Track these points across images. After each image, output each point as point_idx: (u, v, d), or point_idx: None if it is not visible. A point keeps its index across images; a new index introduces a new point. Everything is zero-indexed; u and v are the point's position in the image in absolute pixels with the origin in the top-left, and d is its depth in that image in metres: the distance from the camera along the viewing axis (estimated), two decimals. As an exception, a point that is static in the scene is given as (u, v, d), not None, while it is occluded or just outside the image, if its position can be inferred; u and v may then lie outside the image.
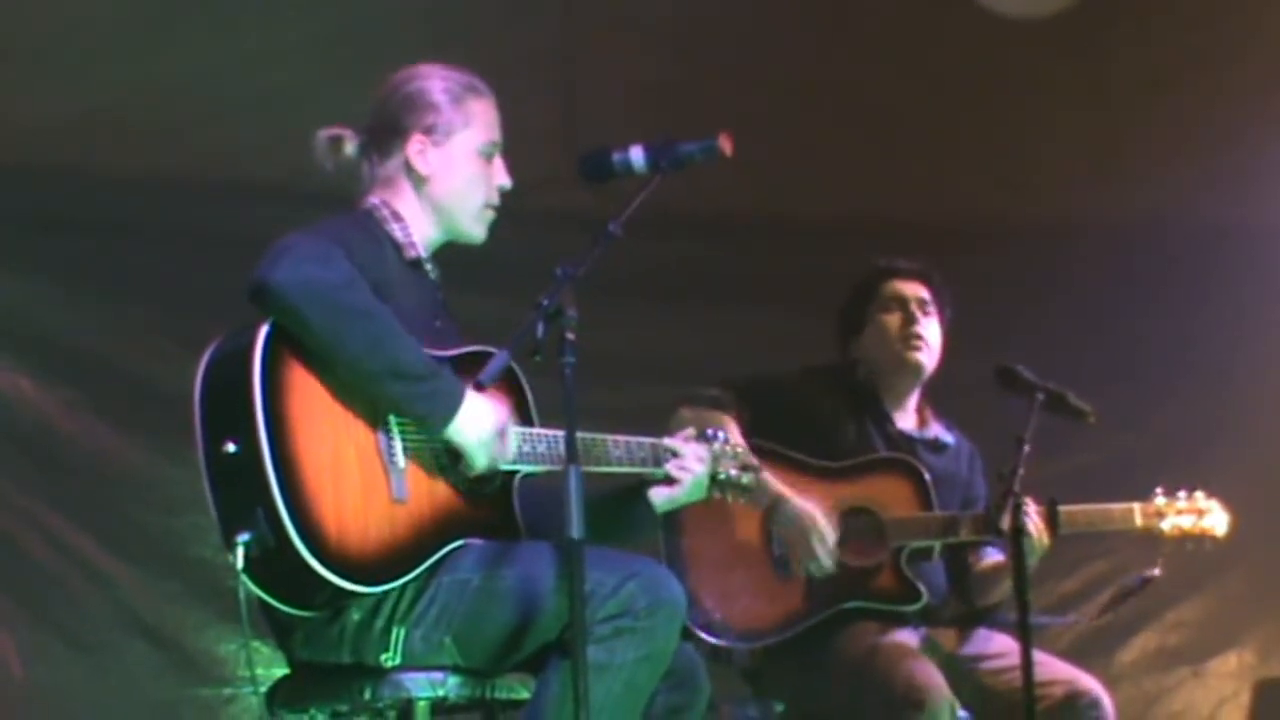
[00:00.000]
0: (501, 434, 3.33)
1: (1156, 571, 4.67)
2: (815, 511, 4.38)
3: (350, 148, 3.55)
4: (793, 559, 4.42)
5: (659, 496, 3.62)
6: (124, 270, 5.61)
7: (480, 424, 3.29)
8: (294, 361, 3.21)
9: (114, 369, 5.59)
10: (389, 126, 3.53)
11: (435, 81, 3.54)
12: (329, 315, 3.17)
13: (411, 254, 3.49)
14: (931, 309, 4.68)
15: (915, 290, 4.67)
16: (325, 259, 3.20)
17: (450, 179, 3.53)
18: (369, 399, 3.26)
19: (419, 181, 3.52)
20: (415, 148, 3.50)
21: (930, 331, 4.66)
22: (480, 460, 3.31)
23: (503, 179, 3.59)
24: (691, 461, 3.63)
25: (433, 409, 3.26)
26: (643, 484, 3.60)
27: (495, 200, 3.59)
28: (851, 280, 4.77)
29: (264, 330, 3.19)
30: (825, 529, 4.37)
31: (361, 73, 5.21)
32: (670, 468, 3.61)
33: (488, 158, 3.56)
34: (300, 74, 5.37)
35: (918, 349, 4.64)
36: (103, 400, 5.57)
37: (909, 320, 4.63)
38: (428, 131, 3.51)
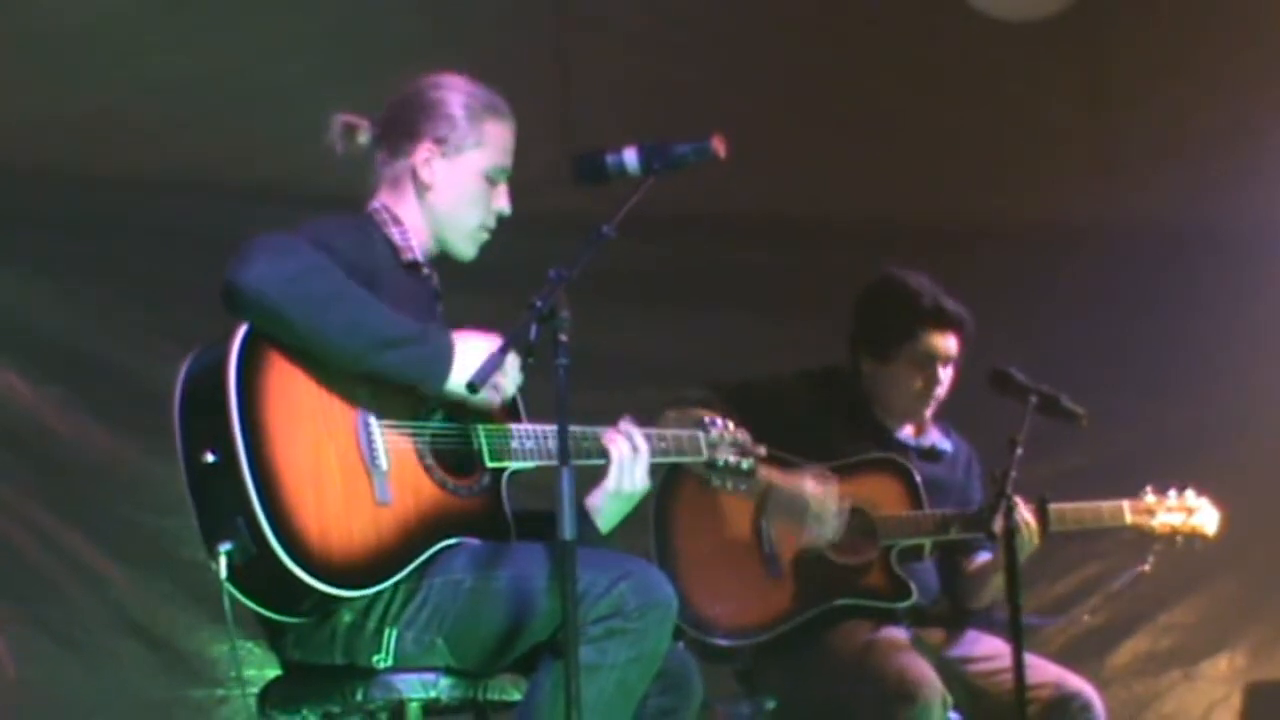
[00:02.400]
0: (502, 355, 3.23)
1: (1145, 567, 4.68)
2: (805, 486, 4.37)
3: (363, 137, 3.56)
4: (787, 545, 4.41)
5: (596, 499, 3.50)
6: (118, 269, 5.61)
7: (475, 365, 3.23)
8: (270, 369, 3.20)
9: (107, 368, 5.58)
10: (402, 128, 3.54)
11: (457, 95, 3.54)
12: (303, 305, 3.15)
13: (408, 257, 3.50)
14: (954, 361, 4.66)
15: (948, 347, 4.62)
16: (289, 251, 3.19)
17: (451, 194, 3.54)
18: (350, 395, 3.25)
19: (421, 189, 3.53)
20: (423, 155, 3.51)
21: (945, 385, 4.66)
22: (485, 395, 3.25)
23: (503, 204, 3.59)
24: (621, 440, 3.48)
25: (427, 370, 3.26)
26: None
27: (491, 224, 3.59)
28: (881, 287, 4.68)
29: (239, 339, 3.18)
30: (822, 498, 4.36)
31: (356, 73, 5.26)
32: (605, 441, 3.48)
33: (492, 181, 3.57)
34: (295, 74, 5.38)
35: (929, 408, 4.67)
36: (95, 399, 5.56)
37: (933, 381, 4.62)
38: (439, 142, 3.51)
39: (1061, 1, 5.78)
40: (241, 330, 3.19)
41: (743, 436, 3.79)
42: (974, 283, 4.95)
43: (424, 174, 3.52)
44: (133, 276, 5.61)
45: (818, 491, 4.39)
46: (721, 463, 3.73)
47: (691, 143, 3.39)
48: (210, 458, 3.13)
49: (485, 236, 3.60)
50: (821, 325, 4.88)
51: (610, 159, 3.39)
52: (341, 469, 3.22)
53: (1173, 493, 4.74)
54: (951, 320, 4.61)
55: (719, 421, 3.76)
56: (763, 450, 3.83)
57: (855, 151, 6.10)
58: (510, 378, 3.34)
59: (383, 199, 3.55)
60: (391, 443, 3.29)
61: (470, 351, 3.28)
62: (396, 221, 3.52)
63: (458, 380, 3.26)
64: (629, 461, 3.48)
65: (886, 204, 6.26)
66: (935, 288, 4.64)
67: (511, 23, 5.57)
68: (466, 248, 3.59)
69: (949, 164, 6.19)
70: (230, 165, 5.60)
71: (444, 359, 3.27)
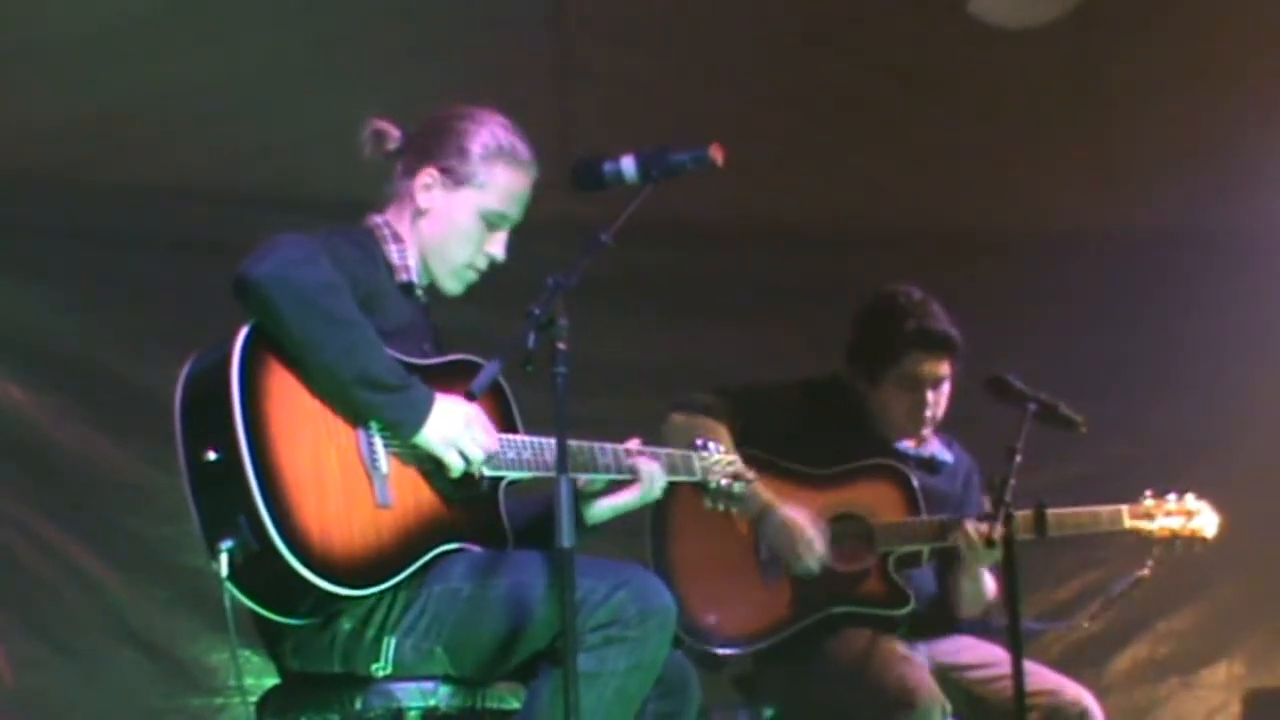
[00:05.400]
0: (474, 424, 3.30)
1: (1145, 572, 4.66)
2: (801, 519, 4.39)
3: (390, 146, 3.57)
4: (783, 564, 4.44)
5: (603, 504, 3.58)
6: (116, 277, 5.61)
7: (450, 427, 3.28)
8: (273, 368, 3.21)
9: (106, 376, 5.58)
10: (418, 148, 3.55)
11: (481, 130, 3.53)
12: (306, 317, 3.17)
13: (403, 277, 3.51)
14: (946, 382, 4.62)
15: (935, 371, 4.57)
16: (309, 260, 3.21)
17: (441, 225, 3.53)
18: (346, 404, 3.26)
19: (416, 213, 3.53)
20: (424, 180, 3.52)
21: (939, 407, 4.63)
22: (449, 457, 3.29)
23: (496, 250, 3.57)
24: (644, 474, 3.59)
25: (402, 418, 3.27)
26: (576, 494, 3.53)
27: (481, 265, 3.58)
28: (871, 307, 4.64)
29: (241, 337, 3.19)
30: (812, 536, 4.38)
31: (351, 82, 5.26)
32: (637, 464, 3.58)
33: (490, 225, 3.55)
34: (291, 83, 5.38)
35: (924, 426, 4.64)
36: (94, 408, 5.56)
37: (921, 404, 4.59)
38: (444, 171, 3.51)
39: (1061, 9, 5.79)
40: (244, 331, 3.20)
41: (735, 461, 3.80)
42: (973, 290, 4.96)
43: (421, 198, 3.52)
44: (133, 284, 5.61)
45: (809, 526, 4.38)
46: (714, 485, 3.74)
47: (690, 150, 3.39)
48: (212, 455, 3.14)
49: (473, 277, 3.59)
50: (822, 333, 4.87)
51: (608, 167, 3.39)
52: (342, 470, 3.23)
53: (1172, 497, 4.71)
54: (937, 343, 4.56)
55: (712, 445, 3.76)
56: (752, 475, 3.84)
57: (855, 160, 6.11)
58: (489, 442, 3.34)
59: (388, 214, 3.56)
60: (392, 446, 3.30)
61: (447, 412, 3.29)
62: (396, 239, 3.52)
63: (428, 436, 3.27)
64: (651, 490, 3.56)
65: (887, 212, 6.26)
66: (925, 307, 4.57)
67: (508, 30, 5.57)
68: (450, 283, 3.58)
69: (948, 171, 6.19)
70: (230, 172, 5.61)
71: (420, 413, 3.27)
